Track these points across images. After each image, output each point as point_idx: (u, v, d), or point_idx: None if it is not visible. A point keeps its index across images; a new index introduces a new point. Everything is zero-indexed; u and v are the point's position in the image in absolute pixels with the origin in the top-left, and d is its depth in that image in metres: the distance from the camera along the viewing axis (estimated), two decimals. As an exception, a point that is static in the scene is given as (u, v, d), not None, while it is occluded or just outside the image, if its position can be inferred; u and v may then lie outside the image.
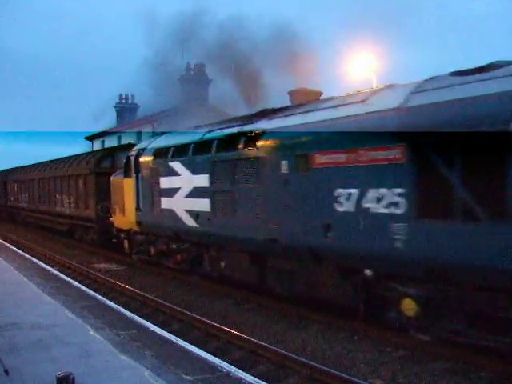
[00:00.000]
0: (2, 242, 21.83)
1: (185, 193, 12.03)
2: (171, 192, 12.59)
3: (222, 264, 11.25)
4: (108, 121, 41.96)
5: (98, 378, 5.81)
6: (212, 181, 10.99)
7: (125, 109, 42.31)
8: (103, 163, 19.93)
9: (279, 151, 9.15)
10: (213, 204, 10.96)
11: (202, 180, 11.29)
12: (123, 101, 42.84)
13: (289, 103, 21.87)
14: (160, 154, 13.37)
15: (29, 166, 32.25)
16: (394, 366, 6.95)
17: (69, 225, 22.94)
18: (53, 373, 5.41)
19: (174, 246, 13.23)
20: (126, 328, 8.29)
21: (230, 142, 10.53)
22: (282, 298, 9.83)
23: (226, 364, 6.63)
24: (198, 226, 11.55)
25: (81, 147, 40.25)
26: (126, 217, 15.41)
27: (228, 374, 6.27)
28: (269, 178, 9.35)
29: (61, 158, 26.32)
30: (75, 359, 6.39)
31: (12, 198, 34.34)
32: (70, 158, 24.91)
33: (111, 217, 17.05)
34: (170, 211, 12.66)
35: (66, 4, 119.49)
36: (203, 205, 11.24)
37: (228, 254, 11.07)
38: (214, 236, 11.16)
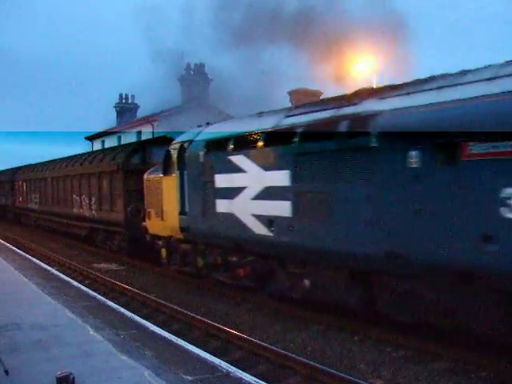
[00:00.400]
0: (2, 242, 21.82)
1: (252, 193, 9.74)
2: (232, 192, 10.28)
3: (306, 282, 8.90)
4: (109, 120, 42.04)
5: (98, 378, 5.81)
6: (295, 178, 8.72)
7: (125, 109, 42.34)
8: (133, 159, 17.10)
9: (405, 139, 6.91)
10: (296, 207, 8.68)
11: (280, 177, 9.02)
12: (123, 101, 42.87)
13: (288, 103, 21.91)
14: (215, 146, 11.02)
15: (40, 163, 29.36)
16: (394, 366, 6.96)
17: (88, 229, 20.26)
18: (53, 373, 5.41)
19: (233, 259, 10.74)
20: (126, 328, 8.29)
21: (324, 128, 8.33)
22: (394, 324, 7.91)
23: (226, 364, 6.63)
24: (271, 234, 9.27)
25: (81, 147, 40.31)
26: (164, 222, 13.03)
27: (228, 374, 6.27)
28: (387, 174, 7.18)
29: (78, 155, 24.13)
30: (75, 359, 6.39)
31: (20, 199, 31.80)
32: (89, 154, 22.71)
33: (144, 221, 14.57)
34: (230, 216, 10.32)
35: (65, 4, 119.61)
36: (281, 208, 8.98)
37: (316, 270, 8.74)
38: (295, 247, 8.87)
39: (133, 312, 9.77)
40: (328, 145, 8.13)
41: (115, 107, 42.94)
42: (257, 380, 6.10)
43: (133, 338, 7.63)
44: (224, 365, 6.56)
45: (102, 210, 18.55)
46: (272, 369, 7.10)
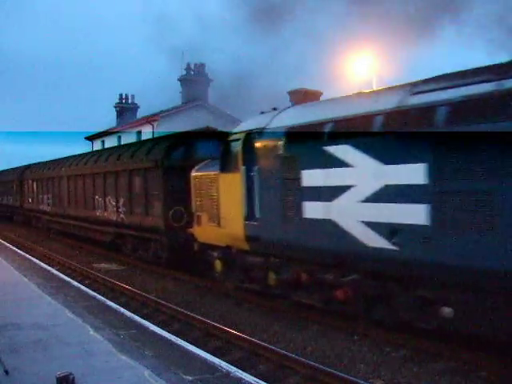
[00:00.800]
0: (2, 242, 21.84)
1: (363, 194, 7.59)
2: (329, 193, 8.13)
3: (446, 310, 6.83)
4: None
5: (98, 378, 5.82)
6: (436, 174, 6.63)
7: (125, 109, 42.38)
8: (174, 154, 14.53)
9: None
10: (437, 212, 6.62)
11: (410, 173, 6.92)
12: (123, 101, 42.91)
13: (288, 103, 21.91)
14: (302, 134, 8.85)
15: (53, 160, 26.67)
16: (394, 366, 6.96)
17: (114, 234, 17.66)
18: (53, 373, 5.41)
19: (327, 277, 8.51)
20: (126, 328, 8.30)
21: (488, 106, 6.22)
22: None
23: (226, 364, 6.64)
24: (393, 247, 7.18)
25: (81, 147, 40.34)
26: (222, 228, 10.86)
27: (228, 373, 6.27)
28: None
29: (100, 151, 21.90)
30: (75, 359, 6.39)
31: (29, 200, 29.08)
32: (114, 149, 20.25)
33: (190, 227, 12.52)
34: (326, 223, 8.19)
35: (65, 4, 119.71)
36: (410, 214, 6.93)
37: (466, 295, 6.62)
38: (434, 265, 6.73)
39: (133, 312, 9.77)
40: (498, 127, 6.00)
41: (115, 107, 42.98)
42: (257, 380, 6.10)
43: (133, 338, 7.64)
44: (224, 365, 6.57)
45: (133, 214, 15.93)
46: (272, 369, 7.10)
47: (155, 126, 32.24)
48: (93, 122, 50.58)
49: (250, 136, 10.00)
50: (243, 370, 6.50)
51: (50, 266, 15.51)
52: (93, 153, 22.13)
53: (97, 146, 39.85)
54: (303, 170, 8.66)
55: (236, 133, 10.57)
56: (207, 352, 7.22)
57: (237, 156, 10.25)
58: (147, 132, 32.43)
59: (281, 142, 9.14)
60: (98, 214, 18.70)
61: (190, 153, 14.38)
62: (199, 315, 9.59)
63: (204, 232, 11.75)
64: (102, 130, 39.70)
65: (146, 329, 8.38)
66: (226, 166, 10.67)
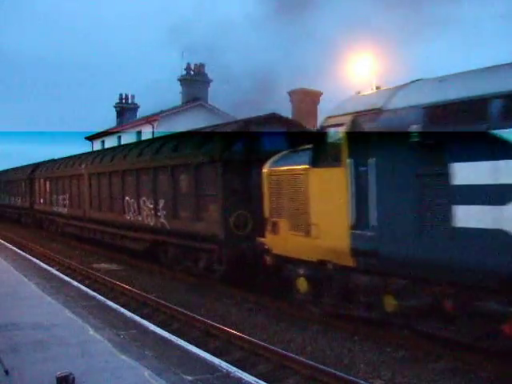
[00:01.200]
0: (2, 242, 21.83)
1: None
2: (499, 194, 5.97)
3: None
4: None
5: (98, 378, 5.82)
6: None
7: (125, 109, 42.39)
8: (235, 146, 11.88)
9: None
10: None
11: None
12: (123, 101, 42.92)
13: (289, 103, 21.95)
14: (451, 114, 6.55)
15: (70, 157, 23.87)
16: (394, 366, 6.96)
17: (151, 242, 14.91)
18: (53, 373, 5.41)
19: (491, 306, 6.30)
20: (126, 328, 8.29)
21: None
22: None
23: (226, 364, 6.64)
24: None
25: (81, 147, 40.34)
26: (312, 238, 8.70)
27: (228, 373, 6.27)
28: None
29: (127, 145, 19.06)
30: (75, 359, 6.39)
31: (41, 201, 26.53)
32: (146, 142, 17.39)
33: (261, 236, 10.13)
34: (491, 233, 6.05)
35: (65, 4, 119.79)
36: None
37: None
38: None
39: (133, 312, 9.77)
40: None
41: (115, 107, 42.99)
42: (257, 380, 6.11)
43: (133, 338, 7.64)
44: (224, 365, 6.57)
45: (177, 218, 13.35)
46: (272, 369, 7.10)
47: (155, 125, 32.26)
48: (93, 121, 50.59)
49: (359, 120, 7.83)
50: (243, 370, 6.50)
51: (49, 266, 15.51)
52: (120, 147, 19.75)
53: (97, 146, 39.84)
54: (454, 162, 6.45)
55: (336, 116, 8.35)
56: (207, 352, 7.23)
57: (338, 146, 8.10)
58: (147, 132, 32.43)
59: (416, 126, 6.83)
60: (128, 217, 15.95)
61: (254, 145, 11.79)
62: (199, 315, 9.59)
63: (283, 242, 9.50)
64: (102, 129, 39.72)
65: (145, 329, 8.37)
66: (319, 158, 8.57)
